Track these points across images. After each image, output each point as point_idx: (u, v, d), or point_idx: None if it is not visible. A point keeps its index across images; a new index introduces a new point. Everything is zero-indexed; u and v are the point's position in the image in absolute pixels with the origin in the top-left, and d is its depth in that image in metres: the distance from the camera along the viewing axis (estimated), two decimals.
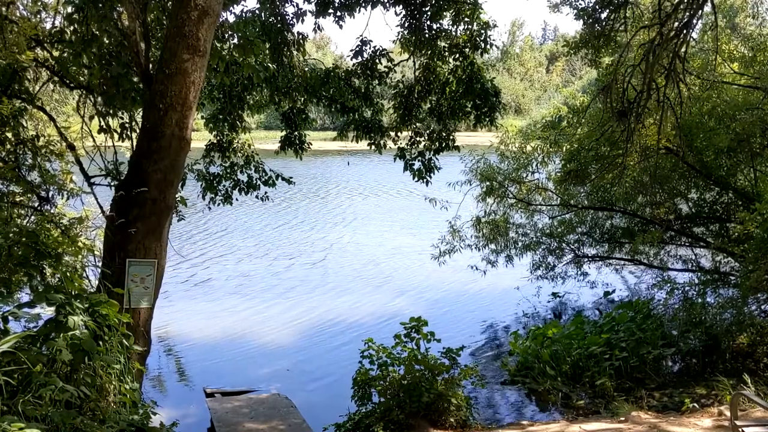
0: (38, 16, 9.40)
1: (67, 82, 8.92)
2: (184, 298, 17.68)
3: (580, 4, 12.40)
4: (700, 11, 10.08)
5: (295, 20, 11.84)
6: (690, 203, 15.32)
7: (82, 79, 8.78)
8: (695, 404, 9.87)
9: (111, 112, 8.47)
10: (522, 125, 20.04)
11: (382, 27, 16.45)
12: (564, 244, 16.91)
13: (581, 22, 12.51)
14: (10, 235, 5.60)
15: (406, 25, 11.86)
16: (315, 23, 12.29)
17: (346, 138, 12.66)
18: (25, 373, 4.42)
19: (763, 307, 12.55)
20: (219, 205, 12.17)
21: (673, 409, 10.05)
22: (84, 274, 6.84)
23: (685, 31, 9.46)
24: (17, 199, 8.53)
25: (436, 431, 8.96)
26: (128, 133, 8.76)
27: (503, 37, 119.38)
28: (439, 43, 11.92)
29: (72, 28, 7.91)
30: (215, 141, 12.03)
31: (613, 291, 17.81)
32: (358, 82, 12.19)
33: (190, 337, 14.72)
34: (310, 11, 11.78)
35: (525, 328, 15.03)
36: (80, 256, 7.49)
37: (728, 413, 8.16)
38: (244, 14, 11.29)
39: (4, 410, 4.09)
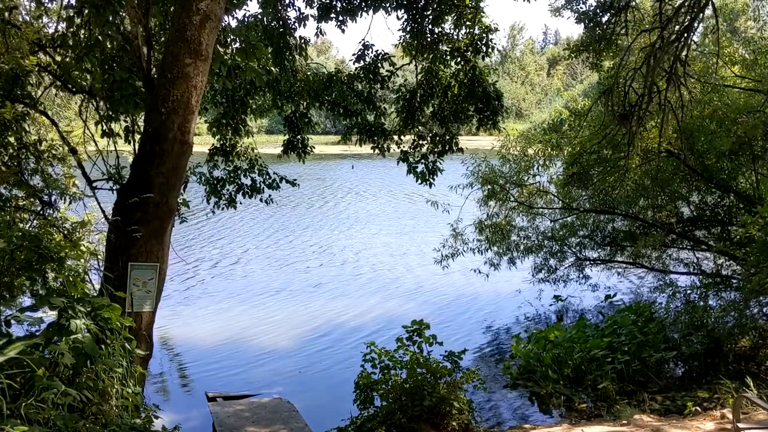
0: (40, 20, 9.43)
1: (70, 86, 8.93)
2: (185, 301, 17.69)
3: (581, 7, 12.42)
4: (701, 15, 10.09)
5: (297, 24, 11.89)
6: (692, 206, 15.32)
7: (84, 83, 8.80)
8: (698, 407, 9.86)
9: (113, 116, 8.49)
10: (523, 129, 20.01)
11: (384, 31, 16.51)
12: (566, 247, 16.91)
13: (582, 25, 12.55)
14: (13, 239, 5.60)
15: (408, 29, 11.89)
16: (317, 27, 12.35)
17: (349, 141, 12.67)
18: (27, 376, 4.43)
19: (765, 309, 12.53)
20: (223, 209, 12.18)
21: (676, 412, 10.04)
22: (86, 278, 6.85)
23: (686, 35, 9.47)
24: (20, 204, 8.55)
25: None
26: (131, 136, 8.78)
27: (503, 41, 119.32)
28: (440, 46, 11.95)
29: (72, 31, 7.93)
30: (218, 145, 12.05)
31: (615, 294, 17.78)
32: (360, 86, 12.21)
33: (192, 340, 14.73)
34: (312, 16, 11.82)
35: (527, 332, 15.01)
36: (83, 260, 7.51)
37: (731, 416, 8.16)
38: (246, 19, 11.34)
39: (7, 414, 4.10)
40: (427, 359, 9.62)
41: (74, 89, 9.00)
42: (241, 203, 12.35)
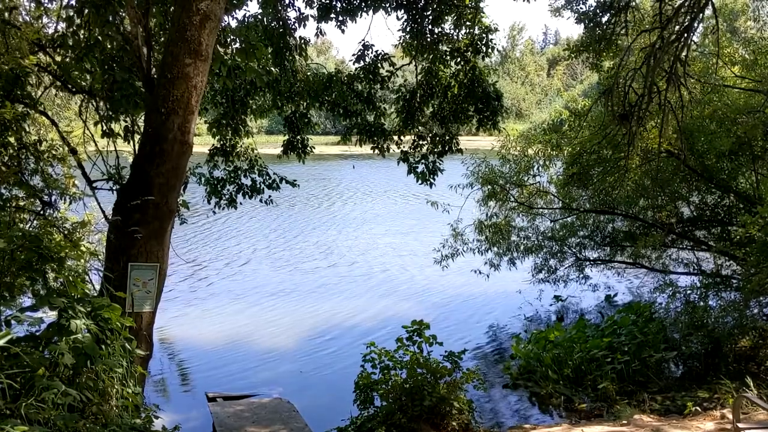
0: (40, 20, 9.43)
1: (70, 86, 8.93)
2: (186, 301, 17.68)
3: (581, 8, 12.42)
4: (701, 15, 10.09)
5: (297, 25, 11.90)
6: (691, 206, 15.32)
7: (84, 83, 8.80)
8: (697, 407, 9.86)
9: (113, 116, 8.49)
10: (523, 129, 20.02)
11: (384, 31, 16.50)
12: (566, 248, 16.91)
13: (582, 25, 12.55)
14: (13, 239, 5.60)
15: (408, 29, 11.89)
16: (317, 28, 12.37)
17: (349, 142, 12.67)
18: (27, 376, 4.43)
19: (765, 310, 12.53)
20: (224, 209, 12.17)
21: (676, 412, 10.04)
22: (86, 278, 6.85)
23: (686, 35, 9.48)
24: (20, 204, 8.55)
25: None
26: (131, 137, 8.78)
27: (503, 41, 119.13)
28: (440, 47, 11.95)
29: (72, 31, 7.93)
30: (218, 145, 12.05)
31: (615, 294, 17.80)
32: (360, 87, 12.21)
33: (192, 340, 14.72)
34: (312, 16, 11.83)
35: (527, 332, 15.02)
36: (83, 260, 7.51)
37: (731, 416, 8.16)
38: (246, 19, 11.34)
39: (7, 413, 4.10)
40: (427, 359, 9.62)
41: (74, 89, 9.00)
42: (241, 203, 12.35)
